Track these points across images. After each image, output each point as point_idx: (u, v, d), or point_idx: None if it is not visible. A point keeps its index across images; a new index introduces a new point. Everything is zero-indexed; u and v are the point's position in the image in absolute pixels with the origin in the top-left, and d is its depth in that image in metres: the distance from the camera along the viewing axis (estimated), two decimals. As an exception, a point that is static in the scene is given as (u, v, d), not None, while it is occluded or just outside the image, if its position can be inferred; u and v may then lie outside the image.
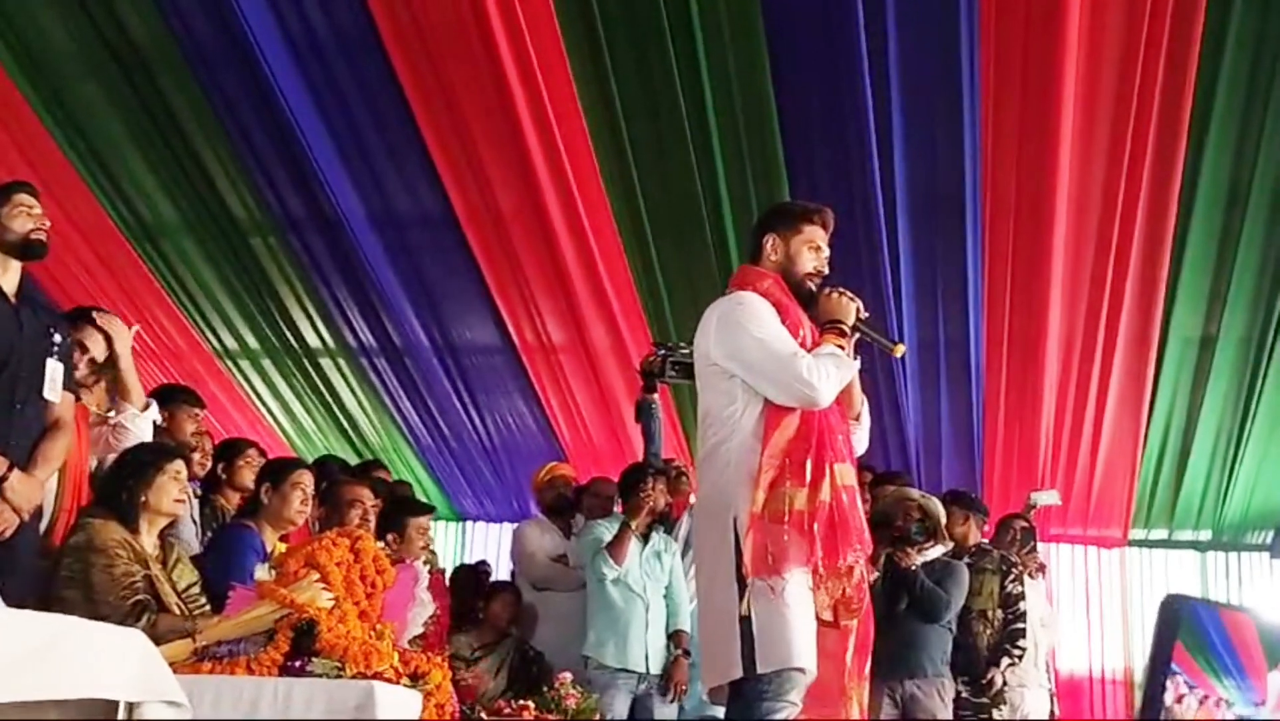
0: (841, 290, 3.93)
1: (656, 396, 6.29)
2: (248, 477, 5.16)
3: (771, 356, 3.68)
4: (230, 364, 9.15)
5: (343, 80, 6.87)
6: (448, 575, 6.41)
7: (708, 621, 3.78)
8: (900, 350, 4.18)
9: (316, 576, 3.47)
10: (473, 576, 6.74)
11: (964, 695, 6.09)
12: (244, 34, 6.56)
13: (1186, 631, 2.21)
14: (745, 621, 3.55)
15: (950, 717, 5.91)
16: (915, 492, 6.28)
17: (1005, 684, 6.18)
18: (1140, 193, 6.62)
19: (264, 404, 9.46)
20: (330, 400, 9.35)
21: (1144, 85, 6.14)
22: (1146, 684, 2.27)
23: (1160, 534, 9.34)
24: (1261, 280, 7.14)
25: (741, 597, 3.56)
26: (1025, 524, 7.05)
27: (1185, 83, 6.12)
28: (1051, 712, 6.78)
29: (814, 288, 3.93)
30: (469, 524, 10.41)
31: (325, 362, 9.06)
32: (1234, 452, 8.37)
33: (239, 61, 6.76)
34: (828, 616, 3.71)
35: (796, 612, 3.58)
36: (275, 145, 7.25)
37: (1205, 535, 9.29)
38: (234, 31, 6.57)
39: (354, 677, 3.23)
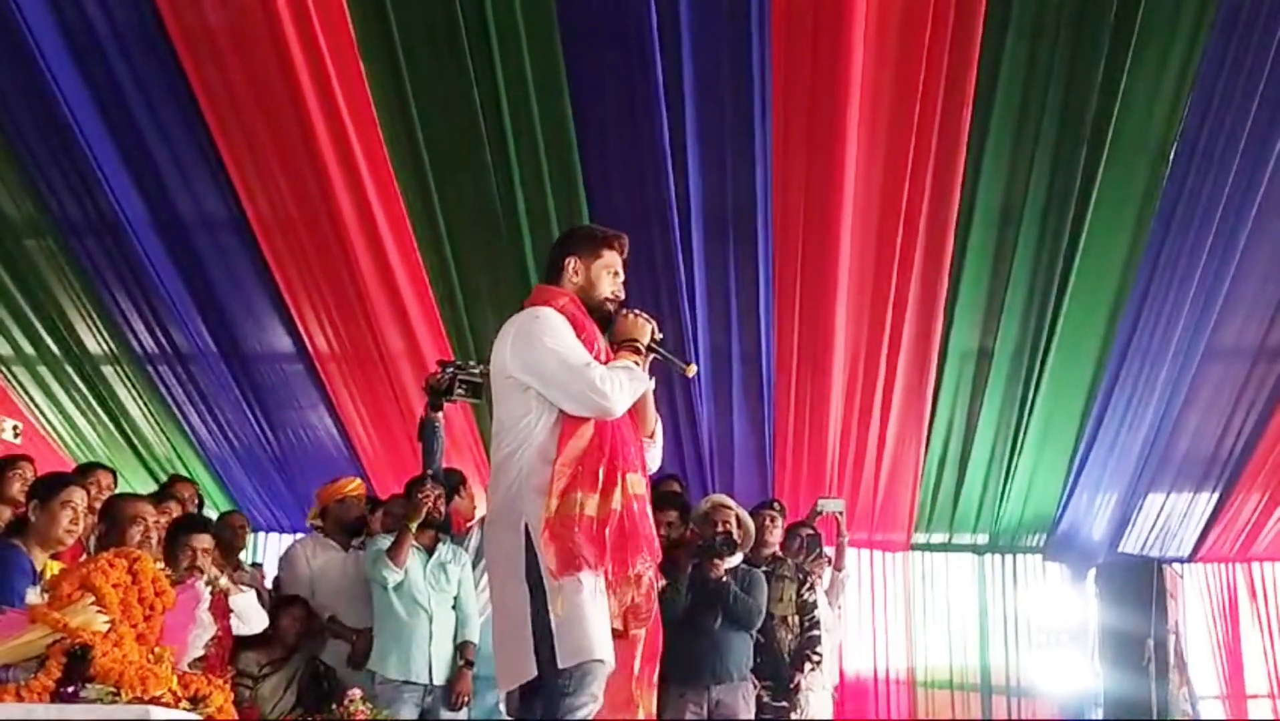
0: (638, 312, 4.02)
1: (441, 415, 6.17)
2: (19, 492, 4.94)
3: (565, 367, 3.74)
4: (4, 370, 8.72)
5: (124, 78, 6.64)
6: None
7: (499, 626, 3.82)
8: (692, 370, 4.31)
9: (91, 599, 3.35)
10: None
11: (765, 699, 6.24)
12: (18, 25, 6.28)
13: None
14: (540, 621, 3.59)
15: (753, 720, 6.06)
16: (731, 502, 6.40)
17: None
18: (921, 212, 6.91)
19: (41, 413, 9.04)
20: (114, 409, 8.98)
21: (924, 109, 6.44)
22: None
23: (941, 538, 9.69)
24: (1033, 296, 7.50)
25: (533, 600, 3.60)
26: (811, 531, 7.25)
27: (963, 106, 6.43)
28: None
29: (611, 311, 4.00)
30: (261, 535, 10.12)
31: (107, 370, 8.71)
32: (1009, 460, 8.75)
33: (11, 54, 6.47)
34: (617, 625, 3.76)
35: (592, 608, 3.64)
36: (51, 145, 6.97)
37: (983, 539, 9.69)
38: (7, 22, 6.28)
39: (130, 702, 3.12)
